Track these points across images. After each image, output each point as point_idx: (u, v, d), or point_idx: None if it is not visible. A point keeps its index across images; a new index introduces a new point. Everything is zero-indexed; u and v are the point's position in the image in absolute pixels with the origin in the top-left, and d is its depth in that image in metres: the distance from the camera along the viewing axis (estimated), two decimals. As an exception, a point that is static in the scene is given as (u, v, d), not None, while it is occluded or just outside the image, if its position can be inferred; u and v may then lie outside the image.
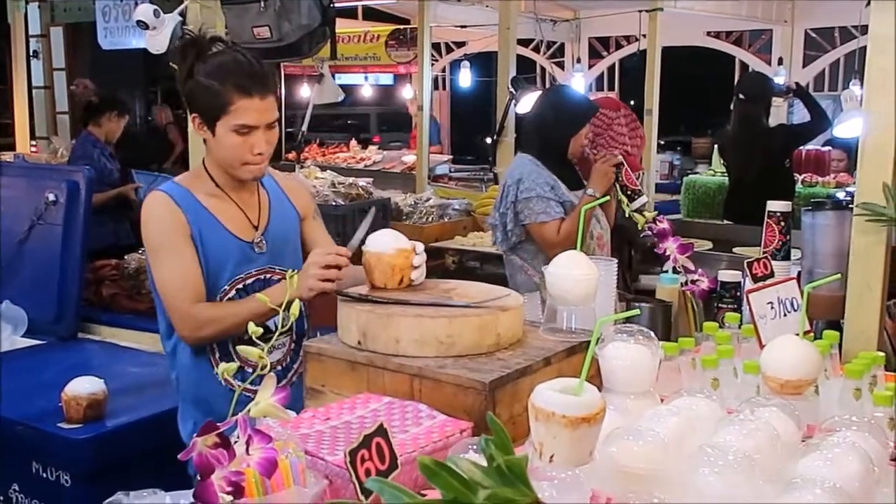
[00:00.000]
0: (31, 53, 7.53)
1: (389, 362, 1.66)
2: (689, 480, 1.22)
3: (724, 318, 2.07)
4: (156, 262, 2.21)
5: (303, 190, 2.51)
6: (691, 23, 8.49)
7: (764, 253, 2.44)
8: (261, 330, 1.38)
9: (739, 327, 2.00)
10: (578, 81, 8.50)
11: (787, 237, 2.51)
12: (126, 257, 4.17)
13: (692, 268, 2.65)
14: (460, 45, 10.50)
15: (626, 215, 2.91)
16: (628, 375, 1.56)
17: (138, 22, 3.22)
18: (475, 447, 1.24)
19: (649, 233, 2.75)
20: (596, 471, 1.27)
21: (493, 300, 1.80)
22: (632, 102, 4.66)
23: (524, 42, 8.87)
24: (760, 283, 2.08)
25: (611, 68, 10.05)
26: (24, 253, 3.81)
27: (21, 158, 6.47)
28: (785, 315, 1.99)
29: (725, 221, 5.63)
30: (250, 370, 1.44)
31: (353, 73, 12.17)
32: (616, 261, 2.23)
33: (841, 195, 5.83)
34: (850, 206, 2.14)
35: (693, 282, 2.61)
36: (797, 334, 1.66)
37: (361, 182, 5.48)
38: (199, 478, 1.14)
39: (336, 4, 3.75)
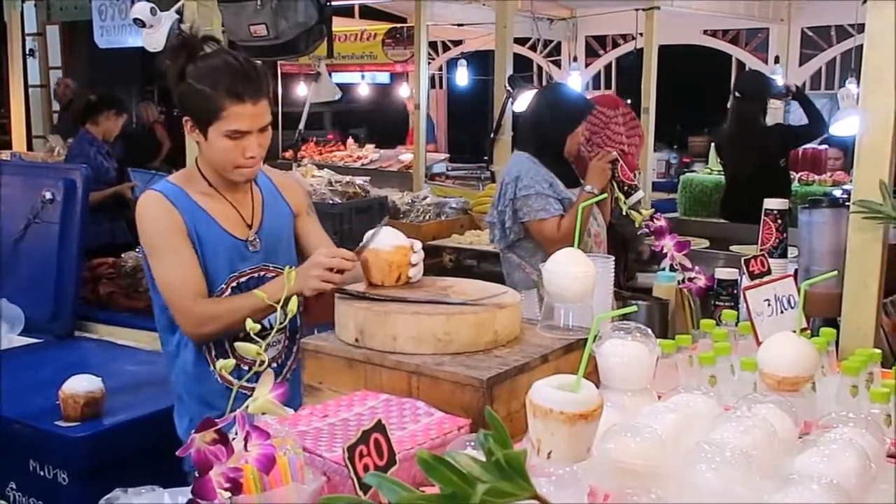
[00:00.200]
0: (27, 52, 7.52)
1: (387, 359, 1.67)
2: (686, 477, 1.22)
3: (721, 316, 2.07)
4: (155, 261, 2.21)
5: (297, 187, 2.51)
6: (688, 21, 8.50)
7: (761, 250, 2.45)
8: (258, 326, 1.38)
9: (736, 325, 2.00)
10: (575, 80, 8.49)
11: (784, 235, 2.52)
12: (123, 255, 4.17)
13: (689, 265, 2.65)
14: (457, 43, 10.50)
15: (624, 213, 2.91)
16: (626, 372, 1.56)
17: (135, 20, 3.22)
18: (473, 444, 1.24)
19: (646, 230, 2.75)
20: (593, 467, 1.27)
21: (491, 297, 1.80)
22: (628, 101, 4.64)
23: (521, 41, 8.86)
24: (757, 281, 2.08)
25: (607, 67, 10.06)
26: (21, 251, 3.81)
27: (18, 157, 6.47)
28: (782, 312, 2.00)
29: (722, 220, 5.63)
30: (246, 368, 1.44)
31: (350, 72, 12.16)
32: (613, 258, 2.23)
33: (838, 193, 5.84)
34: (847, 203, 2.14)
35: (690, 279, 2.61)
36: (794, 331, 1.66)
37: (358, 180, 5.48)
38: (197, 474, 1.14)
39: (332, 3, 3.76)
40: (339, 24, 9.00)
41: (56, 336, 3.67)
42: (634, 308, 1.74)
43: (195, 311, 2.17)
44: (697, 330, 2.01)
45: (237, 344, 1.39)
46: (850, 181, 3.66)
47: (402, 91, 11.66)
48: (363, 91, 13.24)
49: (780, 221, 2.51)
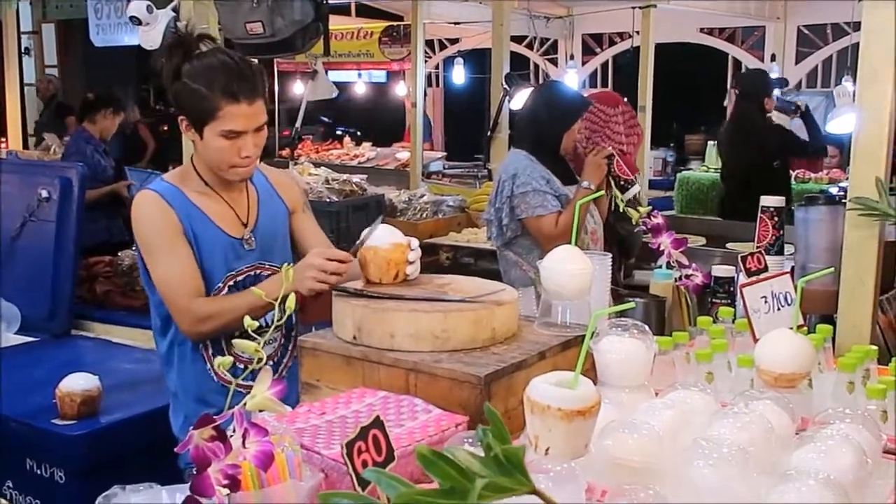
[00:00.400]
0: (22, 50, 7.51)
1: (385, 357, 1.67)
2: (683, 473, 1.22)
3: (718, 313, 2.07)
4: (152, 260, 2.20)
5: (292, 184, 2.50)
6: (684, 19, 8.51)
7: (757, 248, 2.45)
8: (256, 324, 1.38)
9: (733, 321, 2.01)
10: (572, 78, 8.50)
11: (781, 232, 2.52)
12: (119, 254, 4.17)
13: (686, 263, 2.65)
14: (454, 41, 10.51)
15: (621, 210, 2.92)
16: (623, 369, 1.56)
17: (131, 17, 3.21)
18: (470, 441, 1.24)
19: (643, 227, 2.76)
20: (591, 464, 1.28)
21: (488, 295, 1.80)
22: (625, 99, 4.65)
23: (517, 39, 8.86)
24: (754, 278, 2.08)
25: (604, 65, 10.07)
26: (17, 250, 3.80)
27: (14, 155, 6.45)
28: (779, 309, 2.00)
29: (718, 218, 5.63)
30: (241, 366, 1.44)
31: (347, 70, 12.16)
32: (610, 255, 2.23)
33: (834, 191, 5.85)
34: (843, 201, 2.14)
35: (687, 277, 2.61)
36: (791, 328, 1.67)
37: (355, 178, 5.48)
38: (195, 471, 1.14)
39: (329, 1, 3.75)
40: (335, 23, 8.99)
41: (53, 334, 3.66)
42: (632, 304, 1.74)
43: (193, 310, 2.17)
44: (694, 327, 2.01)
45: (235, 341, 1.39)
46: (846, 179, 3.67)
47: (399, 89, 11.66)
48: (360, 89, 13.25)
49: (776, 219, 2.51)
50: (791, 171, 6.39)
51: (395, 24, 10.18)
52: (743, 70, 9.17)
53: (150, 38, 3.21)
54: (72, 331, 3.76)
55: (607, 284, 2.18)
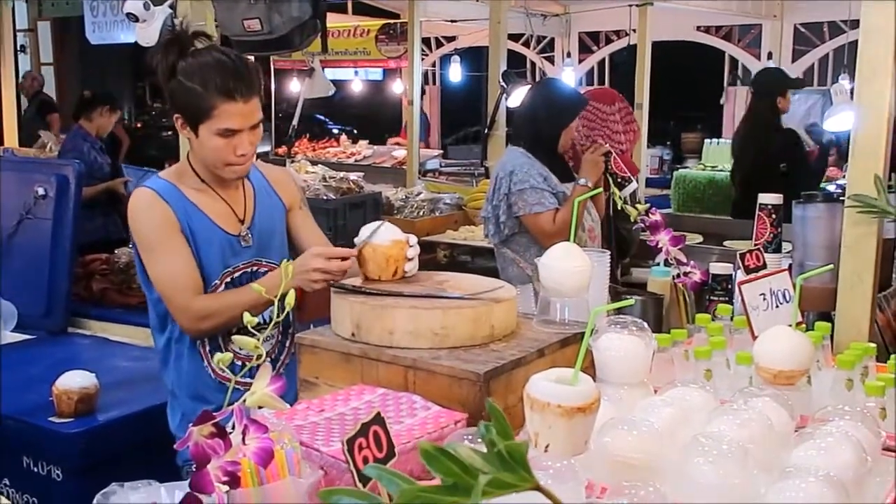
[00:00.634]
0: (18, 48, 7.49)
1: (383, 354, 1.66)
2: (683, 470, 1.22)
3: (717, 310, 2.07)
4: (150, 258, 2.19)
5: (289, 181, 2.49)
6: (681, 17, 8.50)
7: (755, 245, 2.45)
8: (256, 320, 1.37)
9: (731, 319, 2.01)
10: (568, 76, 8.49)
11: (779, 230, 2.52)
12: (116, 252, 4.16)
13: (684, 260, 2.66)
14: (451, 39, 10.49)
15: (619, 207, 2.92)
16: (622, 366, 1.56)
17: (128, 14, 3.21)
18: (470, 438, 1.24)
19: (642, 225, 2.76)
20: (591, 461, 1.28)
21: (487, 292, 1.80)
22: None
23: (514, 37, 8.86)
24: (753, 275, 2.08)
25: (601, 63, 10.06)
26: (14, 248, 3.79)
27: (10, 153, 6.43)
28: (777, 306, 2.00)
29: (717, 216, 5.59)
30: (239, 363, 1.43)
31: (343, 68, 12.15)
32: (608, 252, 2.23)
33: (831, 188, 5.84)
34: (841, 198, 2.15)
35: (685, 274, 2.62)
36: (789, 325, 1.67)
37: (352, 176, 5.48)
38: (194, 468, 1.13)
39: (327, -2, 3.75)
40: (332, 20, 8.97)
41: (49, 332, 3.65)
42: (632, 301, 1.73)
43: (192, 308, 2.16)
44: (692, 324, 2.01)
45: (235, 338, 1.38)
46: (844, 176, 3.67)
47: (396, 87, 11.65)
48: (356, 87, 13.24)
49: (774, 216, 2.51)
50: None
51: (391, 21, 10.18)
52: (739, 69, 9.20)
53: (147, 35, 3.20)
54: (68, 328, 3.76)
55: (606, 282, 2.18)
